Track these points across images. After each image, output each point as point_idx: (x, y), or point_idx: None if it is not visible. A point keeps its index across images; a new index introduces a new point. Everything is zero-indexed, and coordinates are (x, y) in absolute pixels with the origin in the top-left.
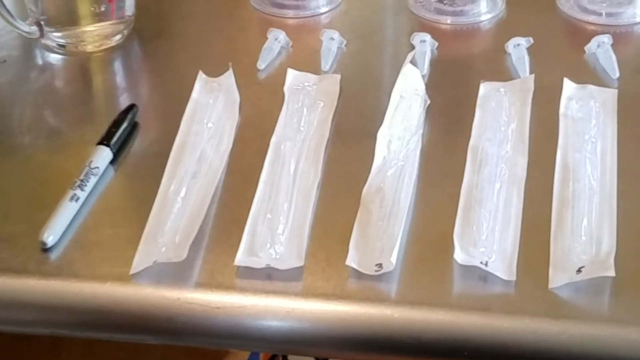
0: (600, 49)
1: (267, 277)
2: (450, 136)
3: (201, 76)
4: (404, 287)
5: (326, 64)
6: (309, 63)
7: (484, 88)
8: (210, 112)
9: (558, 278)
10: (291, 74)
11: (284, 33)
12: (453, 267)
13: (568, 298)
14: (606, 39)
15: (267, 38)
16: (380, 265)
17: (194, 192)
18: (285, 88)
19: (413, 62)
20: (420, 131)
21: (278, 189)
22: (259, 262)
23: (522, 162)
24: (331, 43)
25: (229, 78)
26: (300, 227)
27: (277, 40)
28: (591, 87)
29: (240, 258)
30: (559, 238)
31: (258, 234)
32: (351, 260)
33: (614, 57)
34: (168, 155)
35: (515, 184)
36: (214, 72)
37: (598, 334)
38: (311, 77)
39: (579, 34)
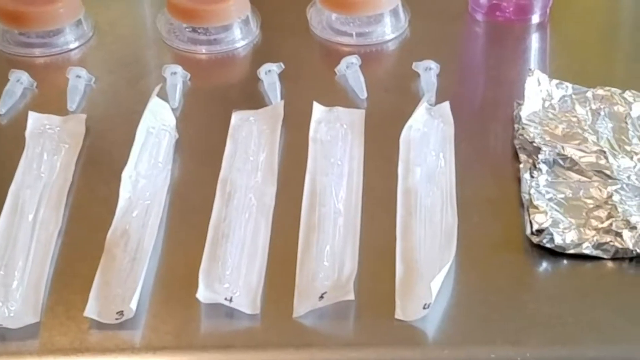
0: (350, 69)
1: (1, 339)
2: (201, 170)
3: None
4: (148, 333)
5: (72, 103)
6: (56, 103)
7: (235, 117)
8: None
9: (302, 306)
10: (32, 117)
11: (26, 74)
12: (200, 306)
13: (312, 325)
14: (354, 59)
15: (8, 79)
16: (121, 313)
17: None
18: (27, 133)
19: (164, 95)
20: (169, 167)
21: (15, 241)
22: None
23: (271, 190)
24: (78, 81)
25: None
26: (37, 281)
27: (19, 82)
28: (339, 109)
29: None
30: (304, 265)
31: None
32: (90, 311)
33: (362, 78)
34: None
35: (263, 214)
36: None
37: (338, 358)
38: (54, 119)
39: (332, 56)
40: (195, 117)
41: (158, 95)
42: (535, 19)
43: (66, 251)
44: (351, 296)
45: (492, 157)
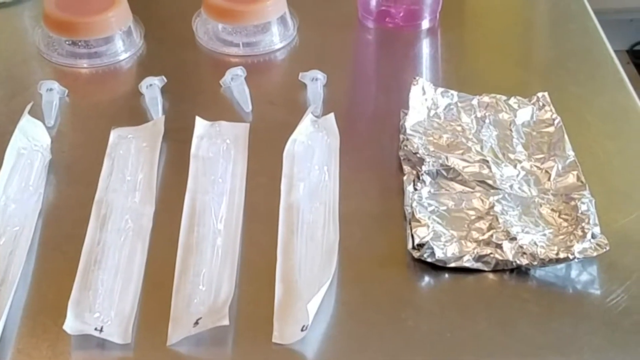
0: (235, 81)
1: None
2: (76, 192)
3: None
4: None
5: (49, 118)
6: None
7: (113, 135)
8: None
9: (176, 333)
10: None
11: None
12: (69, 338)
13: (188, 353)
14: (239, 71)
15: None
16: None
17: None
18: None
19: (39, 113)
20: (41, 190)
21: None
22: None
23: (149, 211)
24: (51, 95)
25: None
26: None
27: None
28: (222, 123)
29: None
30: (180, 290)
31: None
32: None
33: (247, 90)
34: None
35: (140, 237)
36: None
37: None
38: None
39: (218, 67)
40: (72, 136)
41: (33, 113)
42: (425, 24)
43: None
44: (226, 321)
45: (378, 169)
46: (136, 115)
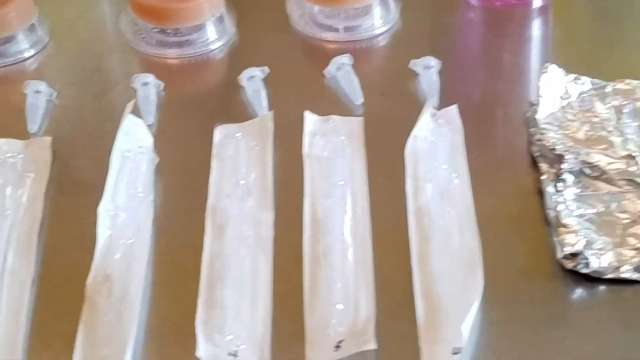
0: (341, 71)
1: None
2: (186, 198)
3: None
4: None
5: (33, 124)
6: (14, 124)
7: (219, 133)
8: None
9: (316, 358)
10: None
11: None
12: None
13: None
14: (346, 59)
15: None
16: None
17: None
18: None
19: (136, 110)
20: (151, 197)
21: None
22: None
23: (268, 218)
24: (37, 97)
25: None
26: (11, 343)
27: None
28: (335, 118)
29: None
30: (314, 308)
31: None
32: None
33: (356, 80)
34: None
35: (261, 247)
36: None
37: None
38: (15, 144)
39: (318, 55)
40: (173, 134)
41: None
42: (537, 2)
43: (42, 304)
44: (372, 344)
45: (508, 168)
46: (238, 110)
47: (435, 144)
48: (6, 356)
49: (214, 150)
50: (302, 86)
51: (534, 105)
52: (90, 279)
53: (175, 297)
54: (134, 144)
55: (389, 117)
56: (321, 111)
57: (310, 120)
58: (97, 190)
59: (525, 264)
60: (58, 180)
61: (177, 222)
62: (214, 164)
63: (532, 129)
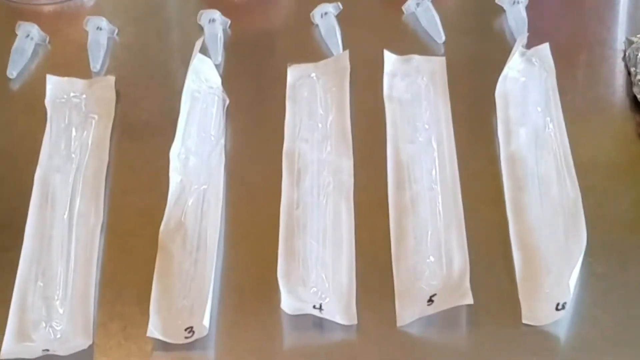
0: (420, 7)
1: None
2: (259, 141)
3: None
4: (222, 353)
5: (96, 62)
6: (75, 63)
7: (292, 74)
8: None
9: (407, 313)
10: (51, 82)
11: (36, 27)
12: (281, 315)
13: (421, 335)
14: None
15: (16, 35)
16: (191, 330)
17: None
18: (47, 101)
19: (203, 49)
20: (222, 141)
21: (50, 243)
22: (33, 349)
23: (348, 164)
24: (99, 34)
25: None
26: (83, 291)
27: (29, 37)
28: (416, 57)
29: (7, 347)
30: (402, 260)
31: (29, 308)
32: (154, 329)
33: (436, 17)
34: None
35: (342, 194)
36: None
37: None
38: (78, 84)
39: None
40: (243, 75)
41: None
42: None
43: (113, 251)
44: (469, 299)
45: (606, 110)
46: (310, 49)
47: (527, 85)
48: (79, 306)
49: (288, 92)
50: (378, 23)
51: (632, 42)
52: (163, 227)
53: (253, 246)
54: (202, 85)
55: (473, 57)
56: (400, 50)
57: (390, 59)
58: (164, 133)
59: (630, 215)
60: (123, 122)
61: (251, 167)
62: (289, 106)
63: (632, 69)
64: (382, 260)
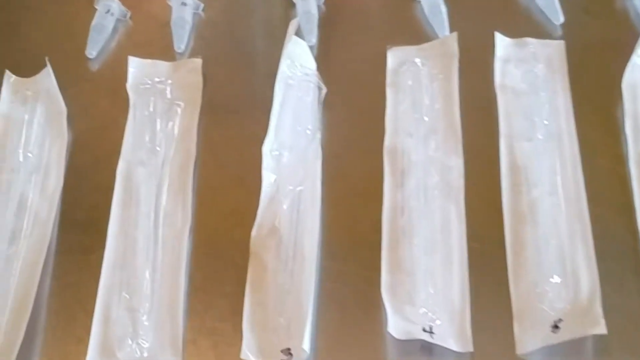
0: None
1: None
2: (357, 133)
3: (9, 78)
4: None
5: (180, 41)
6: (157, 41)
7: (392, 57)
8: (27, 133)
9: (528, 339)
10: (133, 64)
11: (117, 1)
12: (384, 336)
13: None
14: None
15: (95, 10)
16: (288, 352)
17: (14, 269)
18: (129, 86)
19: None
20: (319, 135)
21: (134, 246)
22: None
23: (457, 163)
24: (183, 10)
25: (47, 78)
26: (171, 303)
27: (109, 13)
28: (531, 41)
29: None
30: (520, 275)
31: (113, 321)
32: (247, 351)
33: None
34: None
35: (452, 198)
36: (27, 66)
37: None
38: (162, 67)
39: None
40: (339, 58)
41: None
42: None
43: (201, 257)
44: (602, 328)
45: None
46: (411, 28)
47: None
48: (167, 320)
49: (389, 78)
50: (488, 2)
51: None
52: (254, 232)
53: (353, 256)
54: (297, 70)
55: (596, 41)
56: (513, 32)
57: (502, 43)
58: (256, 122)
59: None
60: (210, 109)
61: (349, 165)
62: (390, 94)
63: None
64: (497, 275)
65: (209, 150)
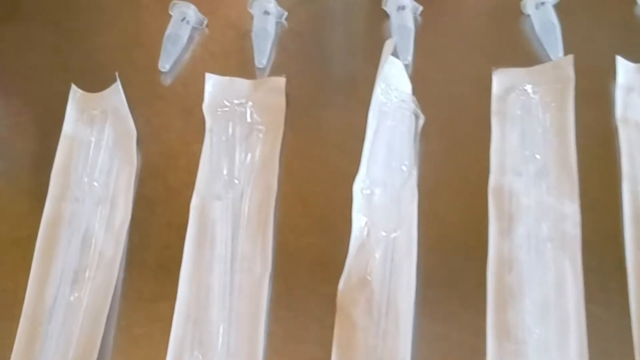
0: None
1: None
2: (457, 172)
3: (75, 94)
4: None
5: (262, 56)
6: (235, 53)
7: (498, 81)
8: (94, 158)
9: None
10: (211, 82)
11: (193, 7)
12: None
13: None
14: None
15: (170, 17)
16: None
17: (76, 318)
18: (205, 107)
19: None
20: (415, 172)
21: (208, 294)
22: None
23: (573, 209)
24: (265, 20)
25: (116, 95)
26: None
27: (185, 21)
28: None
29: None
30: None
31: None
32: None
33: None
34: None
35: (567, 251)
36: (95, 80)
37: None
38: (242, 85)
39: None
40: (434, 79)
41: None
42: None
43: (282, 310)
44: None
45: None
46: (520, 47)
47: None
48: None
49: (494, 106)
50: (608, 18)
51: None
52: (342, 284)
53: (453, 316)
54: (392, 95)
55: None
56: (637, 56)
57: (624, 68)
58: (343, 152)
59: None
60: (292, 135)
61: (447, 206)
62: (495, 126)
63: None
64: (621, 346)
65: (290, 184)
